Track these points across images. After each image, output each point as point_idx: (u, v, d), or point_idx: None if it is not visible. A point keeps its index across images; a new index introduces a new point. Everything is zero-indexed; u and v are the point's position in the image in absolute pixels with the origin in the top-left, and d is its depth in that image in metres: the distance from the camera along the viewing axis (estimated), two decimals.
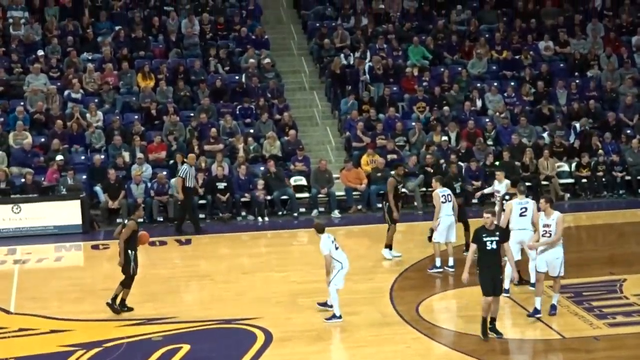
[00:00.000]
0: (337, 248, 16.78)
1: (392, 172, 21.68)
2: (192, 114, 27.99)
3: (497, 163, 26.67)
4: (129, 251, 17.27)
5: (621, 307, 17.67)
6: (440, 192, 19.56)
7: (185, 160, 24.64)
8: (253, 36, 31.01)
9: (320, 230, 16.73)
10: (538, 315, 16.56)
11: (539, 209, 16.76)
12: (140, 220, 17.85)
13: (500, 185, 19.37)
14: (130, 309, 17.42)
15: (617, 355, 15.85)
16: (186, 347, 15.87)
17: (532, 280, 17.33)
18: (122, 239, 17.25)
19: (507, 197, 18.39)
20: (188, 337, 16.43)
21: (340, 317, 16.72)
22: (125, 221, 18.16)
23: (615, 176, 26.91)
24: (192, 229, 24.05)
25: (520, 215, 17.68)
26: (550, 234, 16.20)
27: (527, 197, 18.07)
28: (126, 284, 17.41)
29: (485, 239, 15.20)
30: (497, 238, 15.15)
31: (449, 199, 19.52)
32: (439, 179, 20.12)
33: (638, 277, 18.91)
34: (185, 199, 23.81)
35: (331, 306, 16.94)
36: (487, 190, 20.42)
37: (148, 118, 27.87)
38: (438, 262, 19.58)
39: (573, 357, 15.41)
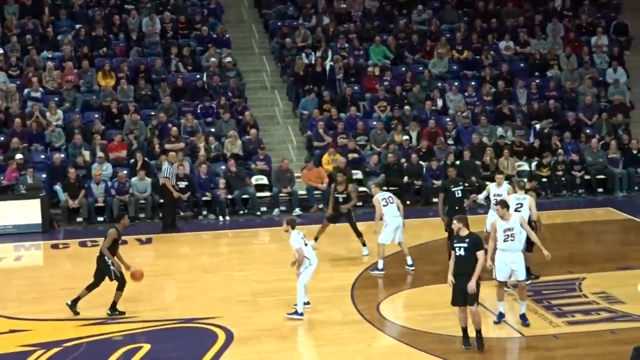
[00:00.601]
0: (306, 244, 16.91)
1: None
2: (153, 113, 27.90)
3: (457, 162, 26.81)
4: (107, 258, 17.15)
5: (580, 306, 17.83)
6: (379, 196, 19.72)
7: (166, 159, 24.56)
8: (214, 35, 30.94)
9: (293, 225, 16.79)
10: (504, 320, 16.65)
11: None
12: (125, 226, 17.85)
13: (501, 189, 19.21)
14: (122, 313, 17.31)
15: (576, 354, 15.99)
16: (146, 347, 15.85)
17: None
18: (104, 247, 17.17)
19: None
20: (148, 336, 16.40)
21: (302, 314, 16.75)
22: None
23: (574, 175, 27.13)
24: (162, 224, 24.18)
25: (515, 210, 17.85)
26: (514, 237, 16.04)
27: (525, 193, 18.47)
28: (120, 287, 17.27)
29: (455, 245, 14.99)
30: (465, 245, 14.76)
31: (391, 201, 19.67)
32: (377, 184, 20.68)
33: (597, 275, 19.10)
34: (167, 197, 23.87)
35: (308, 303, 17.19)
36: (481, 196, 20.01)
37: (108, 117, 27.74)
38: (380, 265, 19.62)
39: (532, 355, 15.54)
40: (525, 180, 20.00)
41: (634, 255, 20.85)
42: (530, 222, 17.90)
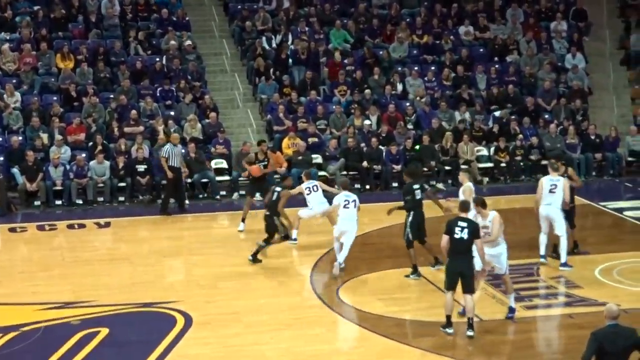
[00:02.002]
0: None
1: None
2: (112, 96, 27.70)
3: (417, 147, 26.88)
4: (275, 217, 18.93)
5: (538, 290, 18.00)
6: (304, 185, 20.58)
7: (169, 140, 24.30)
8: (174, 18, 30.74)
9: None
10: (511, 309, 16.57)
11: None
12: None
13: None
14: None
15: (533, 337, 16.14)
16: (105, 331, 15.77)
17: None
18: (281, 207, 19.22)
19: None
20: (107, 320, 16.32)
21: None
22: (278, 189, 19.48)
23: (533, 160, 27.28)
24: (177, 207, 24.12)
25: (550, 191, 18.41)
26: (489, 235, 16.05)
27: (560, 175, 18.76)
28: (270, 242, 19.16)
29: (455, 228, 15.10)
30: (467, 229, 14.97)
31: (315, 190, 20.51)
32: (306, 173, 21.23)
33: (555, 260, 19.20)
34: (169, 178, 23.65)
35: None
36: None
37: (67, 99, 27.50)
38: (294, 234, 20.52)
39: (490, 339, 15.60)
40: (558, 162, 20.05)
41: (591, 240, 21.01)
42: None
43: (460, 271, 15.14)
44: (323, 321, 16.30)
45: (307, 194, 20.49)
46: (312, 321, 16.28)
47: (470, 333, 15.32)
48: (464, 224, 15.10)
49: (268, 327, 16.04)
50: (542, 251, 19.12)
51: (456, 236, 15.05)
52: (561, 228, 18.74)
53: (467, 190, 17.87)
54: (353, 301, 17.24)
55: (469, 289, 15.24)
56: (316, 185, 20.69)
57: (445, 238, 15.21)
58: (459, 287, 15.23)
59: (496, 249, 16.08)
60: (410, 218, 18.14)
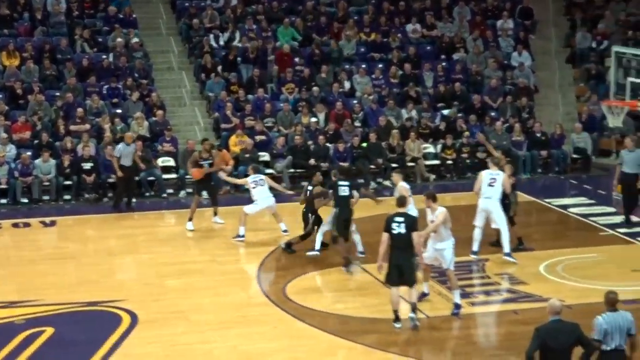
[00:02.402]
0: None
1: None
2: (58, 94, 27.45)
3: (364, 144, 26.94)
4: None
5: (484, 287, 18.12)
6: (250, 179, 20.82)
7: (122, 138, 24.28)
8: (121, 15, 30.52)
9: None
10: (425, 298, 16.78)
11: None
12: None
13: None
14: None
15: (478, 333, 16.26)
16: (50, 330, 15.66)
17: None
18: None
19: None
20: (52, 320, 16.20)
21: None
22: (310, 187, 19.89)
23: (479, 158, 27.41)
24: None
25: (489, 185, 18.84)
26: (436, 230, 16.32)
27: (499, 169, 19.10)
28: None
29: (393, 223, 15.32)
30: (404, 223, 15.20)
31: (261, 184, 20.77)
32: (253, 167, 21.56)
33: (500, 257, 19.32)
34: (120, 177, 23.56)
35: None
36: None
37: (12, 97, 27.21)
38: (242, 231, 20.60)
39: (435, 336, 15.70)
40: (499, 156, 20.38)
41: (536, 237, 21.18)
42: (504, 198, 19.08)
43: (400, 264, 15.30)
44: (270, 319, 16.28)
45: (253, 188, 20.57)
46: (258, 319, 16.26)
47: (397, 325, 15.57)
48: (401, 219, 15.31)
49: (215, 325, 16.00)
50: (475, 247, 19.28)
51: (394, 232, 15.25)
52: (500, 220, 19.01)
53: (401, 189, 18.04)
54: (299, 299, 17.23)
55: (411, 282, 15.44)
56: (262, 179, 20.84)
57: (384, 235, 15.37)
58: None
59: (442, 243, 16.25)
60: (336, 214, 18.25)
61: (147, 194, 25.31)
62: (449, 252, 16.28)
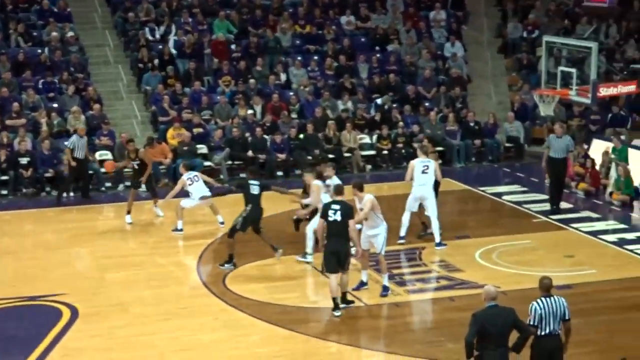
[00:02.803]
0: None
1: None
2: None
3: (301, 136, 26.97)
4: None
5: (420, 275, 18.25)
6: (185, 177, 20.85)
7: (75, 131, 24.22)
8: (55, 9, 30.18)
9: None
10: (365, 287, 16.93)
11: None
12: None
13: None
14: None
15: (415, 321, 16.43)
16: None
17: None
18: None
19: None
20: None
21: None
22: None
23: (414, 147, 27.53)
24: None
25: (423, 172, 19.18)
26: (366, 218, 16.53)
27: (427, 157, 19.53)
28: None
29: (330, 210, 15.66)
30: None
31: (196, 180, 20.80)
32: (184, 165, 21.61)
33: (431, 243, 19.55)
34: (73, 168, 23.68)
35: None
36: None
37: None
38: (180, 224, 20.69)
39: (373, 324, 15.85)
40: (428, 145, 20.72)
41: (471, 225, 21.42)
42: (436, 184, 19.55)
43: (336, 250, 15.58)
44: (210, 310, 16.28)
45: (189, 185, 20.62)
46: (199, 310, 16.25)
47: (336, 313, 15.73)
48: (337, 207, 15.62)
49: (155, 317, 15.96)
50: (403, 232, 19.58)
51: (330, 219, 15.56)
52: (432, 208, 19.28)
53: (315, 188, 18.14)
54: (239, 289, 17.24)
55: (342, 268, 15.72)
56: (196, 176, 20.93)
57: (320, 222, 15.87)
58: None
59: (374, 230, 16.58)
60: (247, 211, 18.25)
61: (54, 192, 24.99)
62: (381, 237, 16.62)
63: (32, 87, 27.20)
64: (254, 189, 18.35)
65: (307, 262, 18.44)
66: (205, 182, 21.10)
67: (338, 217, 15.50)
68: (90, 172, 25.05)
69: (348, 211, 15.60)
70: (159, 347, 14.76)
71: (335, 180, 18.17)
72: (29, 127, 25.90)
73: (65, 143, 24.17)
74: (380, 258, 16.77)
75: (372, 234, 16.59)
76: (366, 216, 16.38)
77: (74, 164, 23.56)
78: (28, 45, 28.92)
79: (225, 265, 18.29)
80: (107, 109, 27.64)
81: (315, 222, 17.76)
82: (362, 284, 16.95)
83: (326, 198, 17.73)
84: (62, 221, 22.62)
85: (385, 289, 16.77)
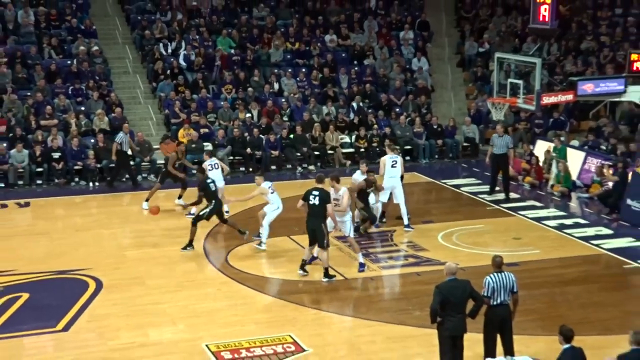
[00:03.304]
0: (272, 192, 17.96)
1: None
2: (29, 93, 26.91)
3: (291, 136, 26.91)
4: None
5: (392, 253, 18.26)
6: (207, 163, 20.17)
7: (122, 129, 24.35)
8: (82, 27, 30.02)
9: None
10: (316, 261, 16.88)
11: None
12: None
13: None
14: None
15: (388, 292, 16.40)
16: (25, 295, 15.48)
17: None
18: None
19: None
20: (27, 287, 15.98)
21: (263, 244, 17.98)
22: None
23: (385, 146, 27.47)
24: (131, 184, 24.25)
25: (392, 166, 19.33)
26: (339, 206, 16.61)
27: (398, 154, 20.04)
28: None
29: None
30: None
31: (216, 167, 20.24)
32: (207, 152, 21.23)
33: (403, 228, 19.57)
34: (119, 160, 23.89)
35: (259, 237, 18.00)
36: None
37: None
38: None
39: (352, 294, 15.86)
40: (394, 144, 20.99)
41: (434, 212, 21.43)
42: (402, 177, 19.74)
43: (313, 228, 16.00)
44: (214, 283, 16.25)
45: (209, 170, 19.77)
46: (205, 283, 16.23)
47: (324, 280, 16.10)
48: (317, 193, 16.00)
49: (167, 288, 15.94)
50: (406, 221, 19.63)
51: (310, 202, 15.97)
52: (400, 196, 19.36)
53: (262, 190, 17.95)
54: (239, 265, 17.22)
55: (321, 244, 16.03)
56: (217, 163, 20.51)
57: (300, 202, 16.25)
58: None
59: (343, 217, 16.71)
60: (211, 206, 18.10)
61: (108, 178, 24.92)
62: (348, 223, 16.77)
63: (62, 93, 27.03)
64: (213, 187, 18.27)
65: (263, 250, 18.01)
66: (222, 171, 20.65)
67: (317, 201, 15.89)
68: (112, 165, 24.95)
69: (325, 197, 16.00)
70: (170, 314, 14.74)
71: (262, 188, 18.07)
72: (60, 127, 25.76)
73: (115, 138, 24.17)
74: (351, 240, 16.95)
75: (341, 220, 16.73)
76: (346, 207, 16.59)
77: (115, 157, 23.86)
78: (59, 57, 28.74)
79: (187, 248, 18.01)
80: (127, 112, 27.49)
81: (271, 216, 17.92)
82: (314, 258, 16.86)
83: (274, 197, 18.00)
84: (89, 207, 22.55)
85: (361, 265, 16.81)
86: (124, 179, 24.58)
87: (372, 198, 19.22)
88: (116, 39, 30.65)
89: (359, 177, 18.96)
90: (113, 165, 24.63)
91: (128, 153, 24.27)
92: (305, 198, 16.05)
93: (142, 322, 14.40)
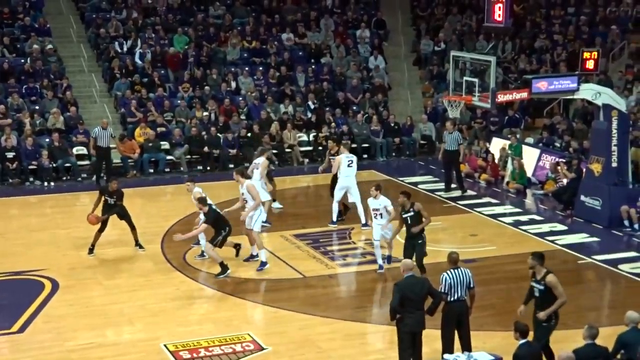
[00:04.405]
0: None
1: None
2: None
3: (249, 134, 26.84)
4: None
5: (350, 251, 18.30)
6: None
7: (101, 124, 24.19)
8: (36, 25, 29.64)
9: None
10: (262, 263, 16.74)
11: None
12: None
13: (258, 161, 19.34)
14: None
15: (345, 290, 16.41)
16: None
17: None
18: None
19: None
20: None
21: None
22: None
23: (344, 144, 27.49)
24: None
25: (348, 166, 19.37)
26: (246, 200, 16.65)
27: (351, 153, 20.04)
28: None
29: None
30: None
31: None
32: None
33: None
34: (97, 155, 23.86)
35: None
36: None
37: None
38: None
39: (311, 292, 15.86)
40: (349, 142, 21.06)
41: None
42: None
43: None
44: (173, 282, 16.15)
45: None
46: (163, 282, 16.11)
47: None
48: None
49: (124, 288, 15.82)
50: (334, 218, 19.64)
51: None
52: (356, 195, 19.40)
53: (196, 194, 17.43)
54: (197, 264, 17.13)
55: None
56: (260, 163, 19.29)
57: None
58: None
59: (253, 211, 16.61)
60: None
61: (64, 178, 24.65)
62: (255, 217, 16.61)
63: (16, 92, 26.69)
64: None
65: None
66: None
67: None
68: (68, 164, 24.66)
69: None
70: (128, 314, 14.63)
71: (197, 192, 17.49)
72: (14, 126, 25.42)
73: (90, 133, 24.33)
74: (253, 234, 16.75)
75: (251, 214, 16.60)
76: (259, 202, 16.60)
77: (94, 152, 23.94)
78: (12, 56, 28.38)
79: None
80: (82, 111, 27.22)
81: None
82: (261, 263, 16.78)
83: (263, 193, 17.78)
84: (44, 207, 22.30)
85: (258, 260, 16.73)
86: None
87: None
88: (71, 38, 30.32)
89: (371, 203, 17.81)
90: (69, 164, 24.40)
91: (105, 147, 23.85)
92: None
93: (99, 323, 14.27)
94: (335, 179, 19.89)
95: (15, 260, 17.37)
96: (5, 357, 13.21)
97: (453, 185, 22.99)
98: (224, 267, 16.15)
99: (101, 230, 17.66)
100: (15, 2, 30.33)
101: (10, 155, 24.15)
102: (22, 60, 28.14)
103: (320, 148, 27.24)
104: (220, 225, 16.39)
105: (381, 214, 16.55)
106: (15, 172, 24.17)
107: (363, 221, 19.47)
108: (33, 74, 27.64)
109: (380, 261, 16.64)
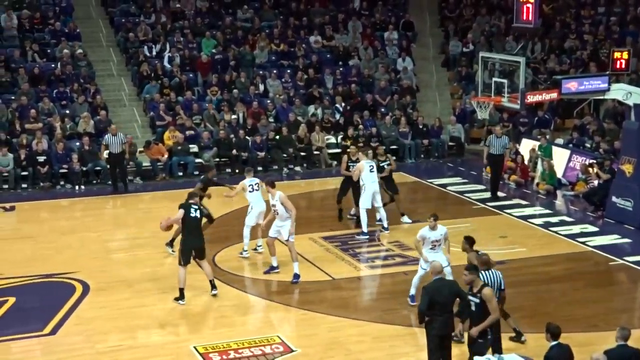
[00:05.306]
0: (252, 191, 17.48)
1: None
2: (13, 97, 26.79)
3: (277, 137, 26.88)
4: None
5: (379, 253, 18.27)
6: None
7: (110, 130, 24.09)
8: (66, 30, 29.90)
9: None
10: (275, 271, 16.63)
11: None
12: None
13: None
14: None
15: (375, 291, 16.41)
16: (12, 300, 15.39)
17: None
18: None
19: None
20: (13, 291, 15.90)
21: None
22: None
23: (372, 146, 27.38)
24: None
25: (370, 171, 19.03)
26: (277, 212, 16.22)
27: (372, 159, 19.61)
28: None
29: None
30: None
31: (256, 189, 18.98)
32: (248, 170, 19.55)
33: (392, 227, 19.53)
34: (109, 161, 23.67)
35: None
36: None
37: None
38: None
39: (339, 294, 15.84)
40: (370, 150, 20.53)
41: (420, 211, 21.32)
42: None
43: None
44: (203, 285, 16.17)
45: (249, 192, 17.79)
46: (191, 284, 16.11)
47: (214, 292, 15.53)
48: (196, 207, 15.41)
49: (154, 291, 15.88)
50: (365, 228, 19.12)
51: (191, 215, 15.25)
52: (379, 201, 19.31)
53: (242, 185, 17.67)
54: (226, 266, 17.18)
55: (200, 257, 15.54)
56: (257, 183, 17.85)
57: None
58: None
59: (283, 222, 16.23)
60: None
61: (94, 181, 24.83)
62: (286, 229, 16.15)
63: (47, 97, 26.92)
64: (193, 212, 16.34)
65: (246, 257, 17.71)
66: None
67: (198, 214, 15.33)
68: (98, 168, 24.80)
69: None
70: (158, 316, 14.70)
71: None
72: (45, 130, 25.65)
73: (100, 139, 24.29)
74: (290, 246, 16.25)
75: (281, 225, 16.27)
76: (291, 209, 16.09)
77: (104, 158, 23.76)
78: (43, 61, 28.64)
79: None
80: (112, 115, 27.40)
81: (248, 219, 17.49)
82: (272, 268, 16.69)
83: (257, 197, 17.61)
84: (74, 210, 22.48)
85: (296, 276, 16.23)
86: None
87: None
88: (100, 42, 30.55)
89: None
90: (99, 168, 24.59)
91: (117, 153, 23.58)
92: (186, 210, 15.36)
93: (129, 325, 14.34)
94: (350, 185, 19.70)
95: (46, 263, 17.51)
96: (37, 358, 13.34)
97: (500, 194, 22.74)
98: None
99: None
100: (45, 8, 30.62)
101: (41, 159, 24.38)
102: (53, 65, 28.40)
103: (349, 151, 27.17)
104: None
105: (440, 244, 15.15)
106: (46, 175, 24.38)
107: (385, 225, 19.35)
108: (63, 79, 27.88)
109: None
